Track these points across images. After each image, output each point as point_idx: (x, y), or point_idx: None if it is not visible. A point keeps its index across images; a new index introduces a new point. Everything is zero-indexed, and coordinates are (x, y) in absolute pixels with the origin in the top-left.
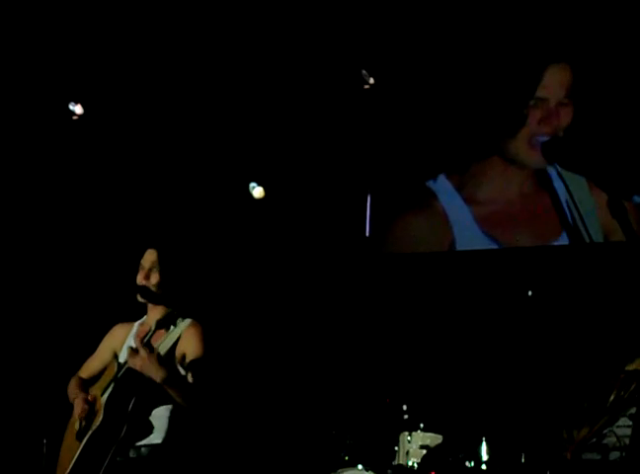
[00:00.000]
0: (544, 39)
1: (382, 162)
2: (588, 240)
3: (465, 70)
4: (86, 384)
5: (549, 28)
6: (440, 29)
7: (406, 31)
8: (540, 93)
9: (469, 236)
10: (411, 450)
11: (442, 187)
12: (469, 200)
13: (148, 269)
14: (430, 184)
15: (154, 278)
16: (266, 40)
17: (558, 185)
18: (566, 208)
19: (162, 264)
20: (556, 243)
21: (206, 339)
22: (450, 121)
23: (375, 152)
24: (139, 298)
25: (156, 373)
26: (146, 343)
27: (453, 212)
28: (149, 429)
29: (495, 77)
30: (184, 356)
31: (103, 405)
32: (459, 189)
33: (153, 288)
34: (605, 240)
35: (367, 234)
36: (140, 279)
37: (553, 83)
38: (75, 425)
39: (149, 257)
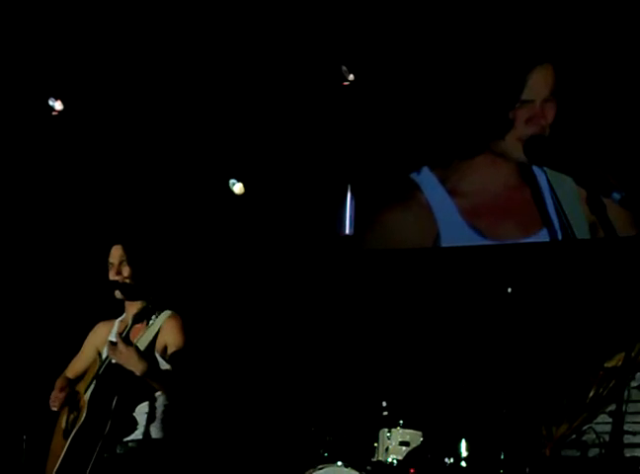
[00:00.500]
0: (528, 42)
1: (364, 155)
2: (570, 234)
3: (450, 71)
4: (71, 383)
5: (532, 30)
6: (428, 26)
7: (393, 26)
8: (526, 95)
9: (454, 229)
10: (390, 447)
11: (426, 179)
12: (453, 193)
13: (118, 264)
14: (413, 176)
15: (125, 272)
16: (245, 37)
17: (542, 179)
18: (549, 202)
19: (130, 256)
20: (539, 236)
21: (186, 329)
22: (436, 117)
23: (357, 145)
24: (117, 295)
25: (136, 366)
26: (124, 337)
27: (438, 205)
28: (134, 424)
29: (480, 82)
30: (165, 348)
31: (86, 402)
32: (443, 181)
33: (127, 282)
34: (592, 235)
35: (348, 230)
36: (113, 276)
37: (538, 85)
38: (62, 422)
39: (115, 252)
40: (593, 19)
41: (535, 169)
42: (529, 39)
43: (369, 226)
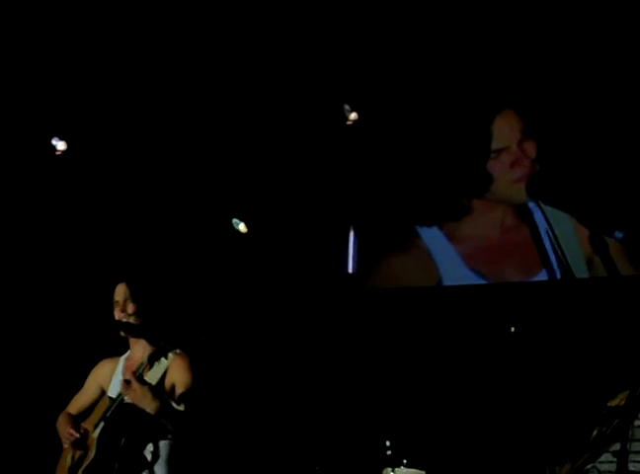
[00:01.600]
0: (483, 94)
1: (364, 200)
2: (569, 273)
3: (424, 133)
4: (75, 420)
5: (485, 82)
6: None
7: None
8: (497, 145)
9: (456, 273)
10: None
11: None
12: (452, 238)
13: (123, 301)
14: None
15: (130, 309)
16: (246, 75)
17: (538, 217)
18: (546, 241)
19: (134, 293)
20: (539, 276)
21: (194, 369)
22: (422, 178)
23: (357, 188)
24: (122, 333)
25: (150, 405)
26: (139, 375)
27: (438, 251)
28: (143, 464)
29: (449, 141)
30: (173, 387)
31: (95, 440)
32: (441, 227)
33: (132, 319)
34: (590, 274)
35: (350, 269)
36: (118, 313)
37: (505, 132)
38: (67, 459)
39: (120, 290)
40: (545, 56)
41: (532, 208)
42: (483, 91)
43: (372, 271)
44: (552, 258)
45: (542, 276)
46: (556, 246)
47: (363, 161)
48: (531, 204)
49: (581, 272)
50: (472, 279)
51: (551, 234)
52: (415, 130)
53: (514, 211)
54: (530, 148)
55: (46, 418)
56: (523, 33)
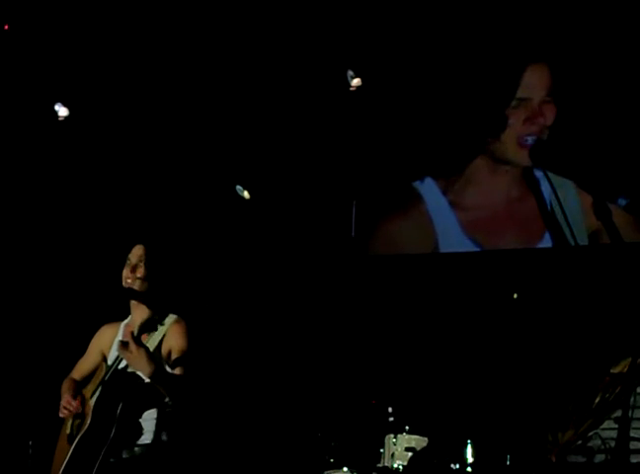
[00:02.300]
0: (521, 40)
1: (368, 163)
2: (572, 242)
3: (445, 72)
4: (79, 385)
5: (526, 28)
6: (421, 30)
7: (388, 33)
8: (522, 93)
9: (453, 240)
10: (396, 453)
11: (429, 189)
12: (454, 205)
13: (135, 263)
14: (416, 185)
15: (140, 272)
16: (249, 44)
17: (545, 187)
18: (551, 210)
19: (149, 259)
20: (540, 245)
21: (191, 334)
22: (434, 123)
23: (361, 153)
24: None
25: (145, 368)
26: (136, 337)
27: (438, 216)
28: (139, 430)
29: (475, 79)
30: (169, 353)
31: (91, 408)
32: (445, 192)
33: (138, 282)
34: (590, 242)
35: (353, 235)
36: (127, 273)
37: (533, 83)
38: (67, 428)
39: (137, 251)
40: (589, 19)
41: (539, 176)
42: (523, 36)
43: (372, 232)
44: (557, 227)
45: (546, 242)
46: (560, 216)
47: (366, 121)
48: (538, 173)
49: (581, 239)
50: (468, 248)
51: (556, 204)
52: (440, 68)
53: (520, 180)
54: (549, 112)
55: (52, 383)
56: None
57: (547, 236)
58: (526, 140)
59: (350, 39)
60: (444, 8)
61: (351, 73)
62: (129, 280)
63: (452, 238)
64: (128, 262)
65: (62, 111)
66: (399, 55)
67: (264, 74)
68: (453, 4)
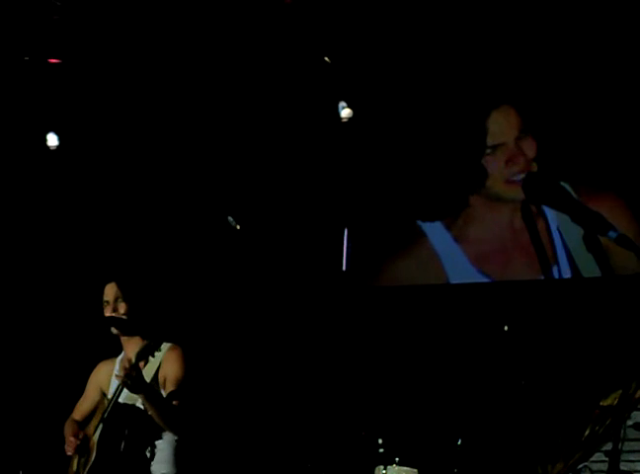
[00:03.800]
0: (479, 88)
1: (361, 197)
2: (578, 271)
3: (420, 130)
4: (81, 425)
5: (483, 76)
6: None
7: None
8: (492, 140)
9: (462, 275)
10: None
11: (432, 226)
12: (459, 239)
13: (113, 301)
14: (419, 222)
15: (122, 309)
16: (242, 72)
17: (550, 216)
18: (556, 240)
19: (125, 293)
20: (550, 273)
21: (187, 361)
22: (420, 173)
23: (353, 186)
24: (113, 331)
25: (145, 390)
26: (134, 365)
27: (444, 252)
28: (145, 464)
29: (445, 134)
30: (166, 380)
31: (95, 444)
32: (449, 227)
33: (123, 318)
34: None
35: (344, 268)
36: (109, 313)
37: (501, 128)
38: (73, 466)
39: (110, 290)
40: (547, 51)
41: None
42: (480, 84)
43: (379, 272)
44: (562, 258)
45: (552, 274)
46: (565, 245)
47: (359, 158)
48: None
49: (592, 270)
50: (478, 280)
51: (561, 233)
52: (411, 126)
53: (522, 211)
54: (528, 146)
55: (53, 425)
56: (522, 30)
57: (560, 263)
58: (516, 178)
59: (346, 69)
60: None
61: (342, 104)
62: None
63: (462, 273)
64: (105, 303)
65: (52, 140)
66: (379, 103)
67: (257, 106)
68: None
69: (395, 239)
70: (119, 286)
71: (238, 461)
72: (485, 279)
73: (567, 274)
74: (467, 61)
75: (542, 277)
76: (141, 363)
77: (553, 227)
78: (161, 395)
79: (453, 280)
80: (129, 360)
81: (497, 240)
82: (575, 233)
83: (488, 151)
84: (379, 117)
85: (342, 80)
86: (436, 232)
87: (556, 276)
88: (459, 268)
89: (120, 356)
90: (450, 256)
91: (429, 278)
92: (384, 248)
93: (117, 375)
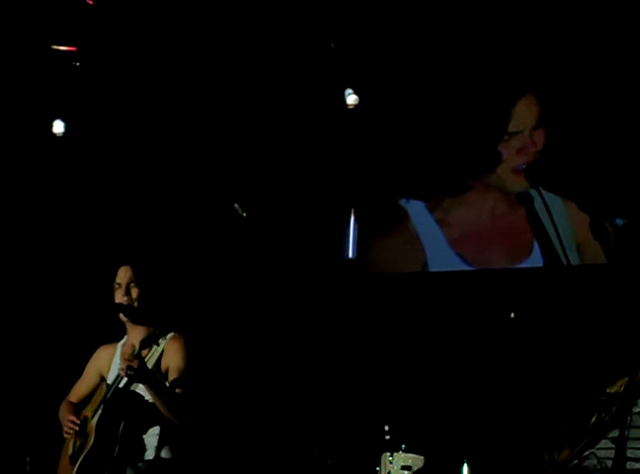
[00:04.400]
0: (508, 75)
1: (362, 182)
2: (564, 260)
3: (438, 108)
4: (77, 408)
5: (513, 63)
6: (416, 63)
7: (385, 57)
8: (513, 128)
9: (441, 256)
10: (392, 471)
11: (415, 207)
12: (441, 222)
13: (126, 285)
14: (402, 202)
15: (134, 293)
16: (247, 58)
17: (536, 203)
18: (541, 224)
19: (139, 278)
20: (527, 262)
21: (189, 350)
22: (427, 153)
23: (356, 173)
24: (121, 317)
25: (147, 379)
26: (137, 354)
27: (425, 233)
28: (142, 447)
29: (466, 118)
30: (168, 370)
31: (94, 427)
32: (431, 209)
33: (135, 304)
34: (581, 261)
35: (351, 254)
36: (120, 297)
37: (523, 116)
38: (69, 448)
39: (124, 273)
40: (571, 45)
41: (533, 194)
42: (509, 72)
43: (364, 253)
44: (545, 241)
45: (530, 261)
46: (550, 232)
47: (366, 145)
48: (532, 191)
49: (573, 258)
50: (457, 264)
51: (546, 217)
52: (434, 107)
53: (507, 198)
54: (540, 137)
55: (49, 407)
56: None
57: (536, 250)
58: (521, 168)
59: (346, 60)
60: (438, 44)
61: (349, 91)
62: (125, 304)
63: (440, 255)
64: (118, 285)
65: (58, 127)
66: (397, 83)
67: (261, 93)
68: (443, 42)
69: (379, 221)
70: (133, 271)
71: (242, 448)
72: (463, 263)
73: (541, 261)
74: (497, 47)
75: (521, 264)
76: (144, 352)
77: (536, 217)
78: (164, 384)
79: (432, 262)
80: (132, 347)
81: (477, 224)
82: (561, 222)
83: (505, 138)
84: (393, 98)
85: (351, 65)
86: (418, 213)
87: (532, 263)
88: (438, 250)
89: (121, 341)
90: (431, 237)
91: (408, 259)
92: (370, 230)
93: (120, 369)
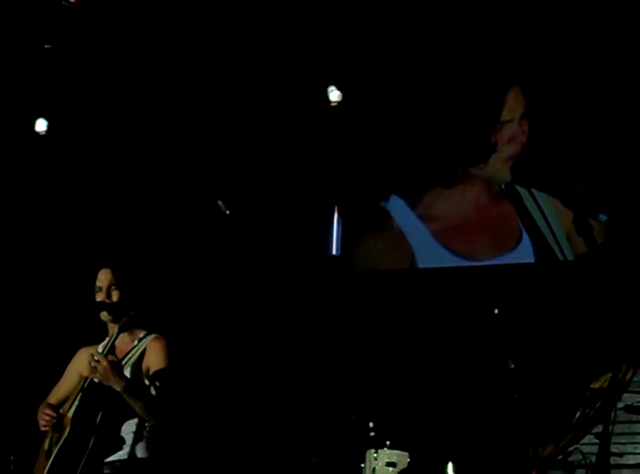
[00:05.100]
0: (501, 65)
1: (345, 181)
2: (558, 251)
3: (431, 98)
4: (55, 409)
5: (505, 52)
6: (404, 54)
7: (372, 51)
8: (505, 116)
9: (428, 250)
10: (377, 468)
11: (396, 206)
12: (424, 217)
13: (107, 287)
14: (383, 203)
15: (115, 296)
16: (232, 58)
17: (522, 193)
18: (526, 217)
19: (119, 280)
20: (514, 253)
21: (170, 351)
22: (414, 146)
23: (339, 171)
24: (103, 317)
25: (116, 383)
26: (109, 348)
27: (409, 230)
28: (119, 442)
29: (459, 107)
30: (148, 370)
31: (70, 419)
32: (413, 207)
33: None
34: (574, 251)
35: (335, 251)
36: (102, 300)
37: (514, 104)
38: (45, 444)
39: (104, 276)
40: (557, 38)
41: (506, 186)
42: (502, 62)
43: (348, 253)
44: (532, 234)
45: (519, 251)
46: (539, 222)
47: (349, 142)
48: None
49: (562, 249)
50: (445, 256)
51: (534, 211)
52: (425, 97)
53: (490, 190)
54: (526, 127)
55: (32, 407)
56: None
57: (524, 240)
58: (511, 159)
59: (331, 57)
60: (430, 34)
61: (331, 88)
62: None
63: (427, 249)
64: (98, 289)
65: (40, 125)
66: (386, 76)
67: (245, 91)
68: (436, 31)
69: (362, 222)
70: (113, 273)
71: (226, 445)
72: (451, 255)
73: (529, 252)
74: (486, 37)
75: (508, 254)
76: (123, 349)
77: (522, 207)
78: (141, 386)
79: (420, 257)
80: (103, 352)
81: (461, 216)
82: (548, 211)
83: (498, 127)
84: (381, 91)
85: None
86: (400, 212)
87: (519, 253)
88: (425, 245)
89: (102, 343)
90: (416, 233)
91: (396, 257)
92: (354, 232)
93: (91, 355)
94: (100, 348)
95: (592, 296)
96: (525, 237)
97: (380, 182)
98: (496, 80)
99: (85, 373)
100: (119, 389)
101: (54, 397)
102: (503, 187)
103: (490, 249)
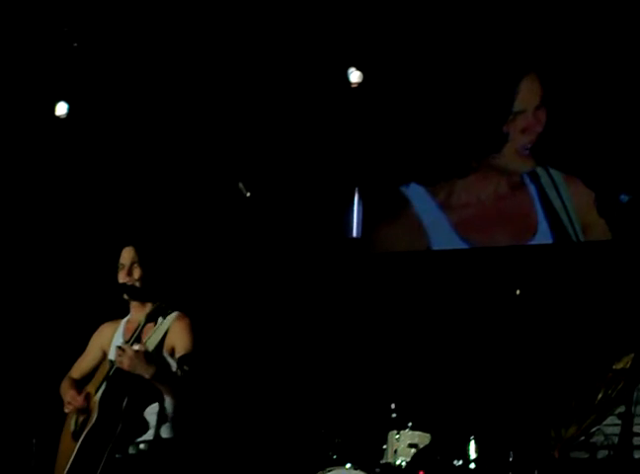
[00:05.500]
0: (514, 54)
1: (365, 164)
2: (573, 236)
3: (443, 88)
4: (78, 384)
5: (517, 43)
6: (420, 44)
7: (390, 36)
8: (517, 107)
9: (445, 242)
10: (399, 449)
11: (416, 193)
12: (444, 206)
13: (129, 265)
14: (403, 189)
15: (137, 274)
16: (248, 42)
17: (535, 182)
18: (548, 202)
19: (142, 258)
20: (534, 241)
21: (195, 331)
22: (432, 135)
23: (360, 155)
24: (125, 297)
25: (145, 370)
26: (136, 338)
27: (428, 218)
28: (145, 425)
29: (471, 99)
30: (173, 350)
31: (97, 403)
32: (434, 195)
33: (137, 284)
34: (586, 238)
35: (355, 233)
36: (123, 277)
37: (527, 94)
38: (71, 424)
39: (127, 254)
40: (573, 25)
41: (531, 173)
42: (515, 51)
43: (367, 232)
44: (552, 221)
45: (537, 240)
46: (559, 209)
47: (369, 124)
48: (537, 169)
49: (577, 236)
50: (460, 247)
51: (554, 197)
52: (437, 88)
53: (509, 180)
54: (542, 117)
55: (53, 387)
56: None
57: (542, 230)
58: (526, 149)
59: (350, 41)
60: (443, 26)
61: (351, 70)
62: (129, 284)
63: (445, 239)
64: (121, 266)
65: (61, 109)
66: (402, 66)
67: (262, 74)
68: (447, 23)
69: (381, 207)
70: (136, 251)
71: (249, 427)
72: (466, 246)
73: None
74: (500, 27)
75: (528, 243)
76: (146, 329)
77: (538, 196)
78: (167, 369)
79: (435, 247)
80: (129, 340)
81: (480, 206)
82: (565, 201)
83: (511, 117)
84: (398, 78)
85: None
86: (419, 199)
87: (542, 241)
88: (443, 235)
89: (125, 318)
90: (434, 222)
91: (410, 246)
92: (372, 217)
93: (117, 347)
94: (122, 324)
95: (613, 277)
96: (545, 227)
97: (400, 166)
98: (507, 71)
99: (115, 361)
100: (147, 377)
101: (77, 372)
102: (523, 177)
103: (508, 240)
